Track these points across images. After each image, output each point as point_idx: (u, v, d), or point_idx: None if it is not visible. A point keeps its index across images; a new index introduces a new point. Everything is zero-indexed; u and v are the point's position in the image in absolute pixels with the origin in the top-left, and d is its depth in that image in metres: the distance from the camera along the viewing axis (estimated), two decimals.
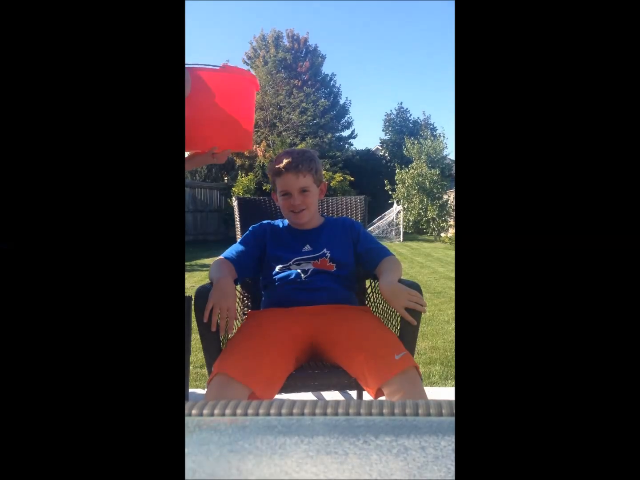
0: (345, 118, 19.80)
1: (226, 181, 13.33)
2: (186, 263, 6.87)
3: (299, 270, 1.47)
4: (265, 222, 1.60)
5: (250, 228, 1.59)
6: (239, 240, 1.60)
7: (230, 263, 1.45)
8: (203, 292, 1.29)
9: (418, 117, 22.05)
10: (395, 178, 13.12)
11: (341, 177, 12.11)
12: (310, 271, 1.46)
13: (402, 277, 1.50)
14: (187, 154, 1.38)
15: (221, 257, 1.49)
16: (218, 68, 1.31)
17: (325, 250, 1.50)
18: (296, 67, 18.33)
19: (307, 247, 1.51)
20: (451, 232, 12.07)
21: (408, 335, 1.33)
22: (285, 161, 1.45)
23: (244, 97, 1.36)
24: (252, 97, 1.41)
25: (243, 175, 12.68)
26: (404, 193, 12.95)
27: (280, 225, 1.58)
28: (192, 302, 1.32)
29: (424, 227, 12.85)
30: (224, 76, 1.32)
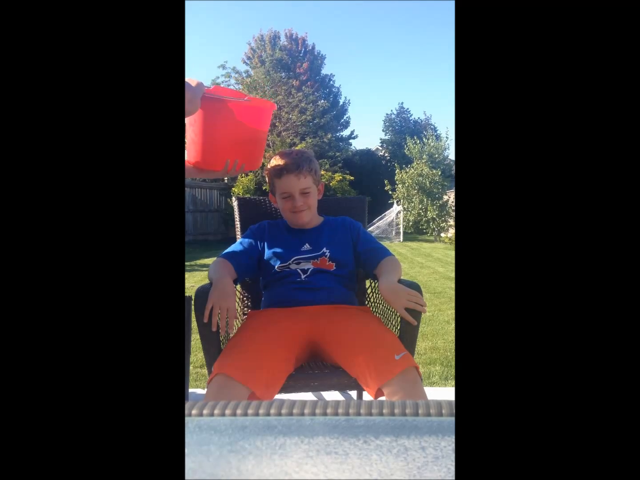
0: (345, 118, 19.78)
1: (226, 181, 13.32)
2: (186, 263, 6.87)
3: (298, 270, 1.47)
4: (264, 222, 1.60)
5: (249, 228, 1.59)
6: (238, 240, 1.60)
7: (229, 263, 1.45)
8: (203, 293, 1.29)
9: (419, 118, 22.08)
10: (395, 178, 13.13)
11: (341, 177, 12.10)
12: (309, 271, 1.46)
13: (402, 277, 1.50)
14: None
15: (220, 257, 1.50)
16: (243, 100, 1.48)
17: (324, 249, 1.49)
18: (295, 67, 18.33)
19: (307, 246, 1.50)
20: (451, 232, 12.07)
21: (408, 335, 1.33)
22: (285, 162, 1.45)
23: (261, 124, 1.47)
24: (267, 124, 1.52)
25: (243, 175, 12.67)
26: (403, 193, 12.96)
27: (280, 225, 1.57)
28: (192, 302, 1.32)
29: (424, 227, 12.85)
30: (246, 107, 1.46)
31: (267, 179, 1.54)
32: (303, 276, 1.46)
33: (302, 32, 19.58)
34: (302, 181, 1.45)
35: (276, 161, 1.48)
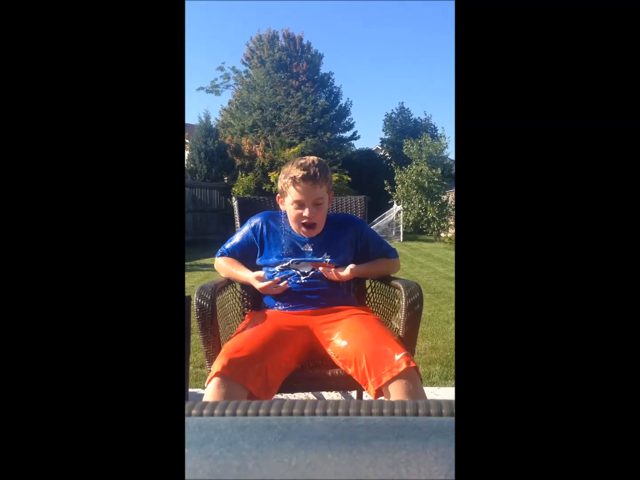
0: (347, 119, 19.76)
1: (226, 181, 13.32)
2: (186, 263, 6.87)
3: (298, 272, 1.47)
4: (265, 216, 1.58)
5: (249, 223, 1.58)
6: (240, 236, 1.58)
7: (238, 262, 1.53)
8: (204, 294, 1.29)
9: (419, 117, 22.06)
10: (395, 178, 13.12)
11: (337, 177, 12.00)
12: (309, 272, 1.46)
13: (402, 277, 1.50)
14: None
15: (226, 255, 1.55)
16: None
17: (325, 252, 1.50)
18: (294, 67, 18.31)
19: (308, 247, 1.50)
20: (451, 232, 12.06)
21: (408, 335, 1.33)
22: (304, 170, 1.42)
23: None
24: None
25: (243, 175, 12.67)
26: (403, 193, 12.95)
27: (281, 222, 1.56)
28: (192, 302, 1.32)
29: (424, 227, 12.84)
30: None
31: (279, 183, 1.52)
32: (303, 279, 1.46)
33: (299, 32, 19.57)
34: (318, 190, 1.44)
35: (293, 168, 1.45)
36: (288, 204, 1.48)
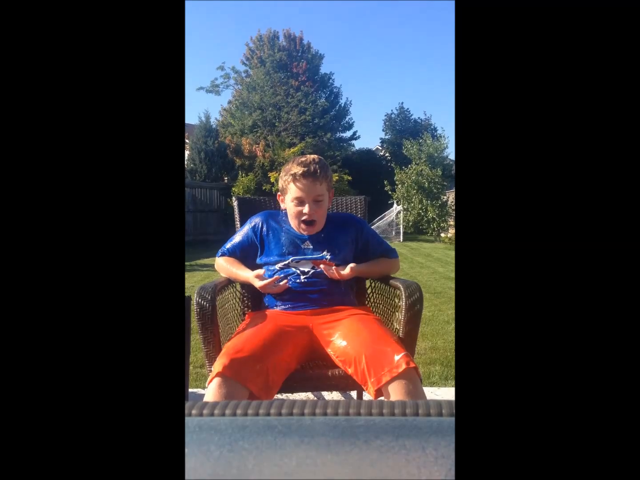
0: (346, 119, 19.78)
1: (226, 181, 13.32)
2: (186, 263, 6.87)
3: (297, 272, 1.47)
4: (265, 216, 1.58)
5: (249, 223, 1.58)
6: (240, 236, 1.59)
7: (239, 262, 1.53)
8: (204, 294, 1.29)
9: (419, 117, 22.06)
10: (395, 179, 13.12)
11: (337, 177, 11.97)
12: (309, 271, 1.46)
13: (402, 277, 1.50)
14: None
15: (226, 255, 1.55)
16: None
17: (325, 249, 1.50)
18: (294, 67, 18.31)
19: (307, 244, 1.50)
20: (451, 232, 12.07)
21: (408, 335, 1.33)
22: (304, 167, 1.43)
23: None
24: None
25: (243, 175, 12.66)
26: (403, 193, 12.96)
27: (281, 220, 1.56)
28: (192, 302, 1.32)
29: (424, 227, 12.85)
30: None
31: (279, 181, 1.53)
32: (302, 277, 1.46)
33: (299, 31, 19.54)
34: (318, 187, 1.45)
35: (294, 165, 1.46)
36: (288, 201, 1.49)
